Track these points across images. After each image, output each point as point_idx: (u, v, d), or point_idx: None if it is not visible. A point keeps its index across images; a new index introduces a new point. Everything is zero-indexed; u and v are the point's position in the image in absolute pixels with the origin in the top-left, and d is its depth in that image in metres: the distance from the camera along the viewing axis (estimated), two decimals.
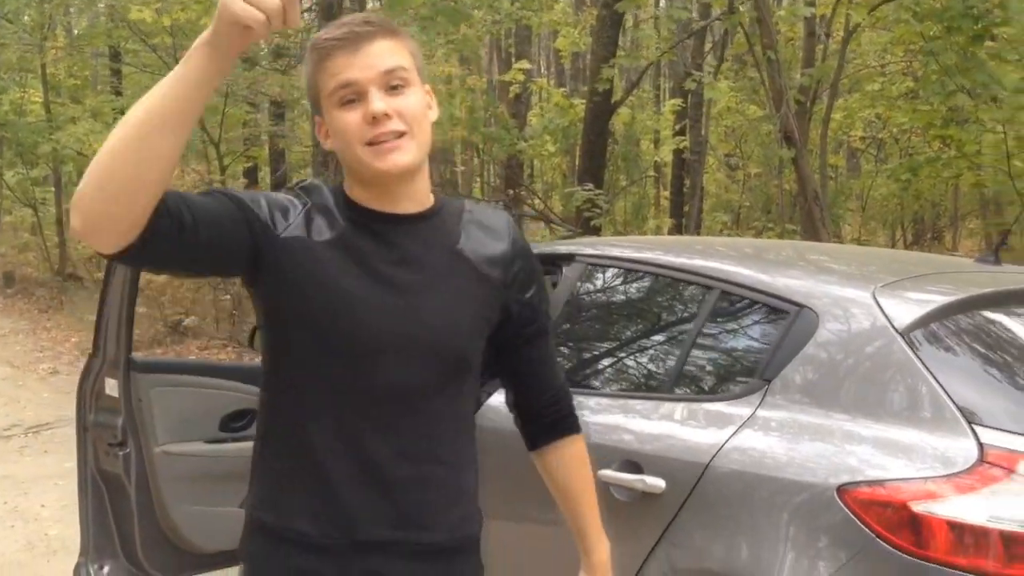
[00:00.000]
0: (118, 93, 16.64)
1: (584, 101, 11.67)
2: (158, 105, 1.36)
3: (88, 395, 3.43)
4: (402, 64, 1.59)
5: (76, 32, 19.24)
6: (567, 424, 1.85)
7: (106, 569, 3.43)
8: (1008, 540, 1.88)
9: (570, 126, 12.37)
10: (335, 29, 1.60)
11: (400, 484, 1.59)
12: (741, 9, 8.64)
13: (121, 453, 3.27)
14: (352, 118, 1.56)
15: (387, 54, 1.58)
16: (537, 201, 13.37)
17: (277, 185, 13.66)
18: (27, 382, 9.54)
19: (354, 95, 1.57)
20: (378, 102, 1.55)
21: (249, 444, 1.74)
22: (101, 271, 11.05)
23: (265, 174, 16.60)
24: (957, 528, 1.92)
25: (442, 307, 1.61)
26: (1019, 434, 2.03)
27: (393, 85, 1.57)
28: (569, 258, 3.09)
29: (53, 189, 17.50)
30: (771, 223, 11.80)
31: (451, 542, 1.65)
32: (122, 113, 14.61)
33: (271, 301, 1.60)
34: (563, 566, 2.68)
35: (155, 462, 3.29)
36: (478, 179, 18.76)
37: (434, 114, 1.66)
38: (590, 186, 9.67)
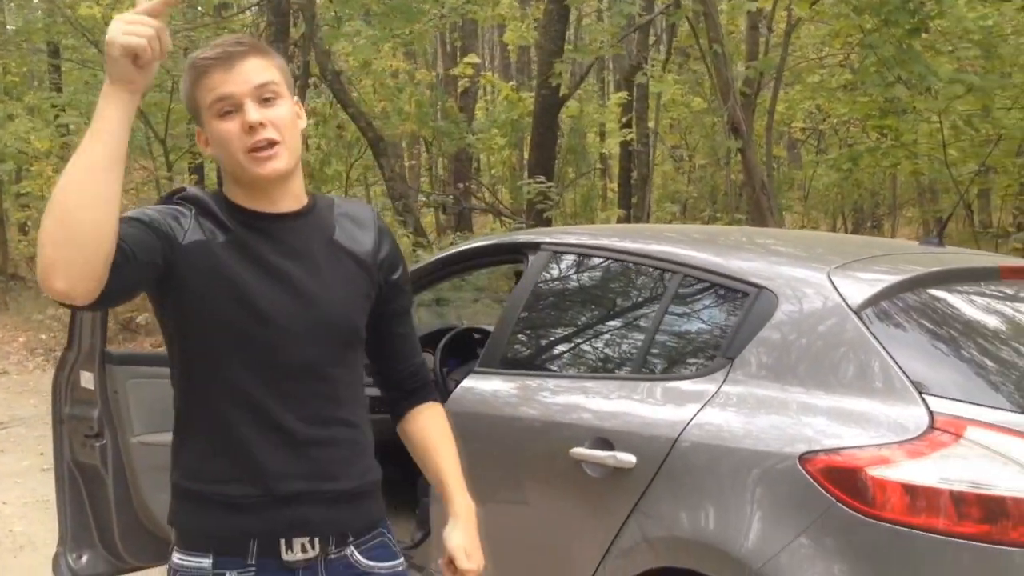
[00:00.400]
0: (58, 89, 16.35)
1: (532, 95, 11.76)
2: (93, 156, 1.51)
3: (63, 388, 3.47)
4: (273, 79, 1.77)
5: (12, 28, 18.83)
6: (426, 392, 2.03)
7: (84, 558, 3.47)
8: (958, 500, 2.03)
9: (519, 119, 12.45)
10: (211, 50, 1.78)
11: (311, 444, 1.78)
12: (685, 3, 8.80)
13: (98, 444, 3.32)
14: (230, 127, 1.74)
15: (259, 70, 1.76)
16: (486, 194, 13.45)
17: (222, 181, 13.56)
18: None
19: (231, 107, 1.74)
20: (253, 113, 1.73)
21: None
22: None
23: (211, 170, 16.42)
24: (910, 490, 2.06)
25: (331, 291, 1.81)
26: (965, 402, 2.18)
27: (265, 98, 1.75)
28: (535, 246, 3.19)
29: None
30: (718, 213, 12.02)
31: (358, 488, 1.85)
32: (63, 110, 14.41)
33: (180, 306, 1.75)
34: (533, 543, 2.80)
35: (132, 453, 3.34)
36: (427, 173, 18.75)
37: (302, 123, 1.85)
38: (542, 178, 9.78)
